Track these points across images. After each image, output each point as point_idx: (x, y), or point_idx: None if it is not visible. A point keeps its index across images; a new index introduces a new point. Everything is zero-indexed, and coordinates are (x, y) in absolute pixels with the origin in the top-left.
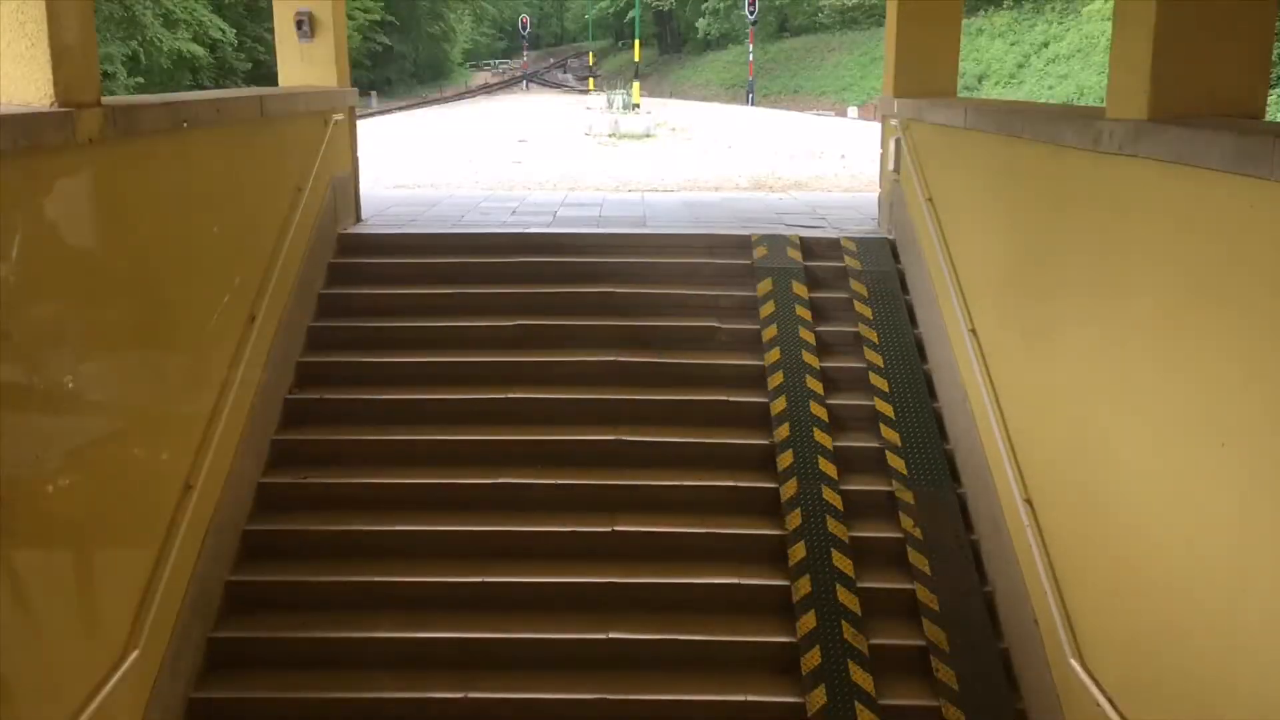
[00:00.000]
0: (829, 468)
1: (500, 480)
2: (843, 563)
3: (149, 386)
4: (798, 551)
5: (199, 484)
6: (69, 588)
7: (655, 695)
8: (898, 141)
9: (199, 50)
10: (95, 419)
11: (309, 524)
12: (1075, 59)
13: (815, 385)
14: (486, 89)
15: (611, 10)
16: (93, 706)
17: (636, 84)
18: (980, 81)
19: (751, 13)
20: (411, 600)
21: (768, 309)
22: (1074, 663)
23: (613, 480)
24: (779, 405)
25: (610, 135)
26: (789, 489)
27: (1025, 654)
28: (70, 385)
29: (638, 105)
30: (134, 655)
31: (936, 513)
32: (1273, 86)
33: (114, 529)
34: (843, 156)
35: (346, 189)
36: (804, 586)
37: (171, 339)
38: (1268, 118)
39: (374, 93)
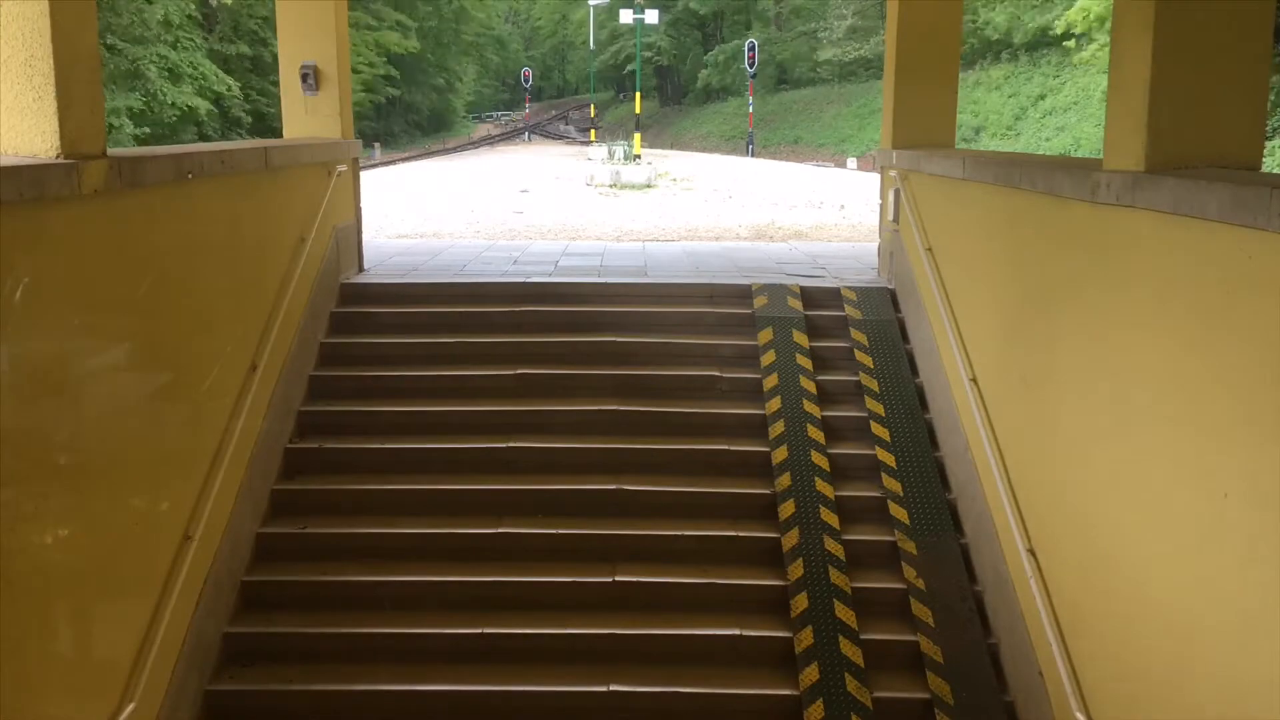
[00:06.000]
0: (831, 517)
1: (501, 530)
2: (845, 614)
3: (150, 436)
4: (800, 602)
5: (198, 534)
6: (66, 639)
7: None
8: (897, 192)
9: (202, 103)
10: (95, 469)
11: (308, 575)
12: (1072, 111)
13: (816, 434)
14: (489, 140)
15: (612, 63)
16: None
17: (638, 135)
18: (978, 133)
19: (751, 66)
20: (410, 652)
21: (768, 358)
22: (1080, 715)
23: (614, 530)
24: (780, 454)
25: (611, 185)
26: (791, 539)
27: (1030, 707)
28: (70, 435)
29: (639, 156)
30: (130, 708)
31: (939, 563)
32: (1269, 138)
33: (112, 580)
34: (842, 207)
35: (349, 239)
36: (806, 638)
37: (173, 388)
38: (1264, 169)
39: (377, 144)
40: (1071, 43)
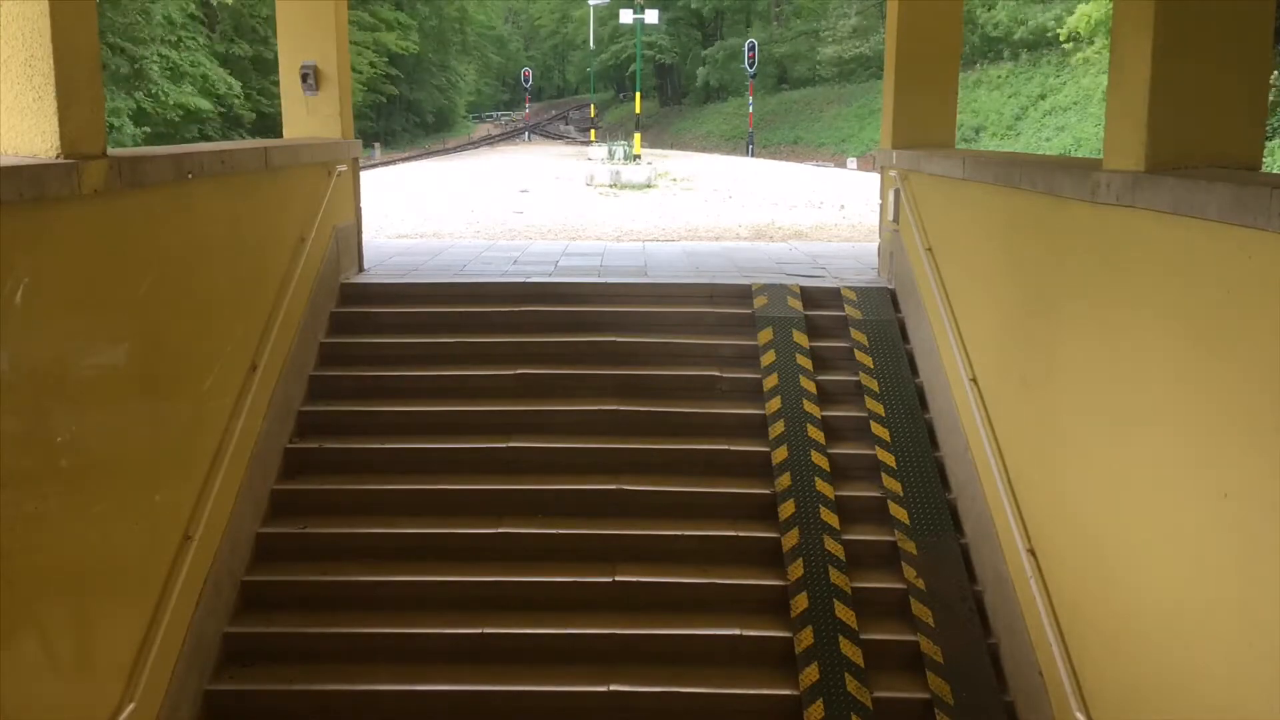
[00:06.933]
0: (831, 517)
1: (500, 530)
2: (845, 614)
3: (150, 436)
4: (800, 602)
5: (198, 534)
6: (66, 639)
7: None
8: (897, 192)
9: (205, 103)
10: (95, 469)
11: (308, 575)
12: (1072, 111)
13: (816, 434)
14: (489, 140)
15: (612, 63)
16: None
17: (638, 135)
18: (978, 133)
19: (751, 65)
20: (410, 652)
21: (768, 358)
22: (1079, 715)
23: (613, 530)
24: (780, 454)
25: (611, 185)
26: (791, 539)
27: (1030, 707)
28: (71, 435)
29: (639, 156)
30: (130, 708)
31: (939, 563)
32: (1269, 138)
33: (112, 580)
34: (842, 207)
35: (349, 239)
36: (806, 638)
37: (173, 388)
38: (1264, 169)
39: (377, 144)
40: (1070, 45)
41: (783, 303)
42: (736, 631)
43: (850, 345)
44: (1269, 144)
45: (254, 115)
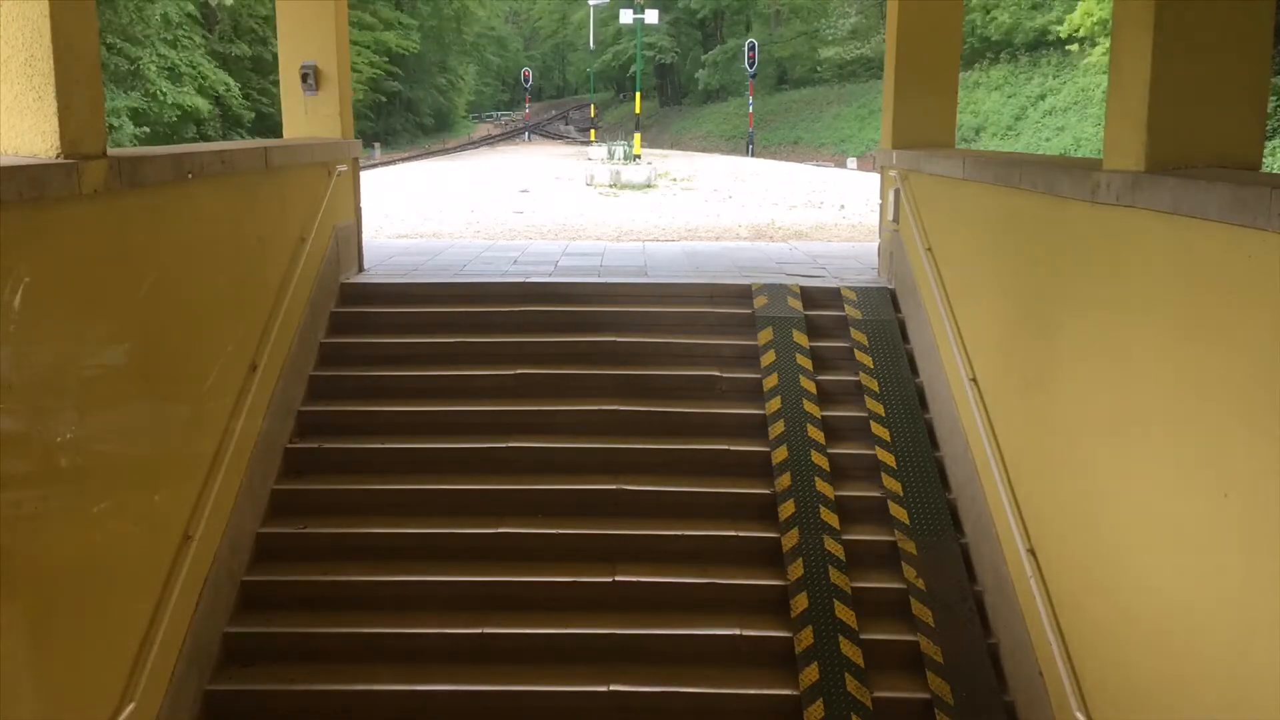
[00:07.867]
0: (831, 517)
1: (500, 530)
2: (845, 614)
3: (150, 436)
4: (800, 602)
5: (198, 534)
6: (66, 639)
7: None
8: (897, 192)
9: (203, 103)
10: (95, 469)
11: (308, 575)
12: (1072, 111)
13: (816, 434)
14: (489, 140)
15: (612, 64)
16: None
17: (637, 135)
18: (978, 133)
19: (751, 65)
20: (411, 652)
21: (768, 358)
22: (1079, 715)
23: (613, 530)
24: (780, 454)
25: (611, 185)
26: (791, 539)
27: (1030, 707)
28: (71, 436)
29: (638, 156)
30: (130, 708)
31: (939, 563)
32: (1269, 138)
33: (112, 580)
34: (842, 207)
35: (349, 239)
36: (806, 638)
37: (173, 389)
38: (1264, 169)
39: (377, 144)
40: (1075, 46)
41: (783, 303)
42: (736, 631)
43: (850, 345)
44: (1269, 144)
45: (253, 115)
